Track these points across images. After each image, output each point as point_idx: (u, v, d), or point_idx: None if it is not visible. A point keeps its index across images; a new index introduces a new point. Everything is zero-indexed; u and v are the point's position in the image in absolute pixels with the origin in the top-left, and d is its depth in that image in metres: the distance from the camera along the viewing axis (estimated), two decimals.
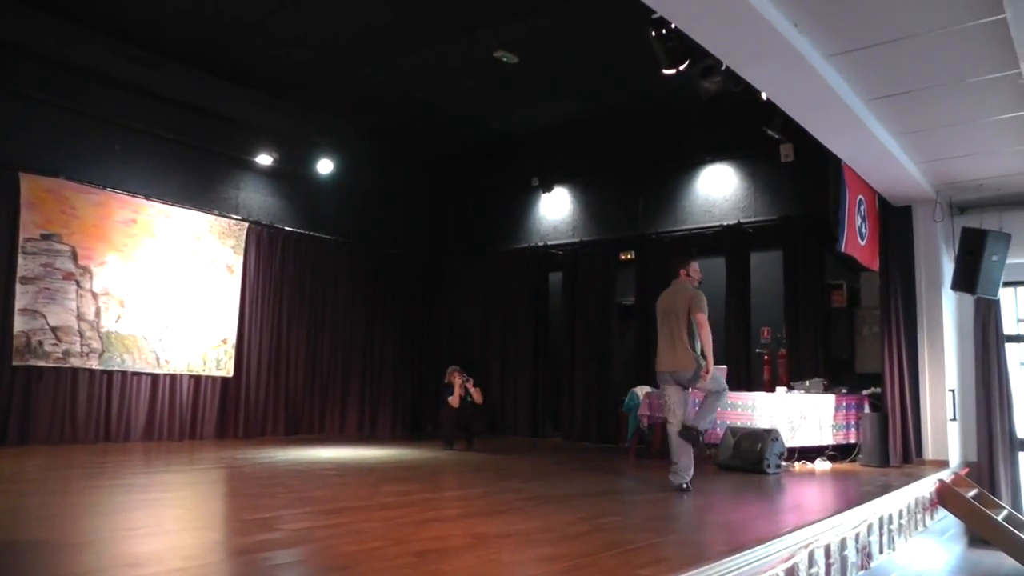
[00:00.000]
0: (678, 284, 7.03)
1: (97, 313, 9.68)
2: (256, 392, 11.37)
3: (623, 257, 12.25)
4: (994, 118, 7.22)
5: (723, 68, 6.72)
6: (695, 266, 7.15)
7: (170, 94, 10.49)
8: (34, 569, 3.42)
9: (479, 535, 4.29)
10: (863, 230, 8.74)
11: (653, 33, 6.82)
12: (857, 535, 5.42)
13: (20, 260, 9.06)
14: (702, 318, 6.73)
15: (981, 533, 7.92)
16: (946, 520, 7.97)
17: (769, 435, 8.08)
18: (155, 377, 10.26)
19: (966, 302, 9.47)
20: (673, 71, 7.02)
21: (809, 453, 9.01)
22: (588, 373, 12.06)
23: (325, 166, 12.10)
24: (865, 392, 9.64)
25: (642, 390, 9.74)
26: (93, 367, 9.61)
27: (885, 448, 8.92)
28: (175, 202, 10.61)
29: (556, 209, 13.07)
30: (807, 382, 9.50)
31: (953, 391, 9.23)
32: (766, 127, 9.27)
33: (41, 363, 9.15)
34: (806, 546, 4.52)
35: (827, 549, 4.82)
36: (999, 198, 9.18)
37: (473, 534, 4.32)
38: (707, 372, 6.60)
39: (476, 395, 10.46)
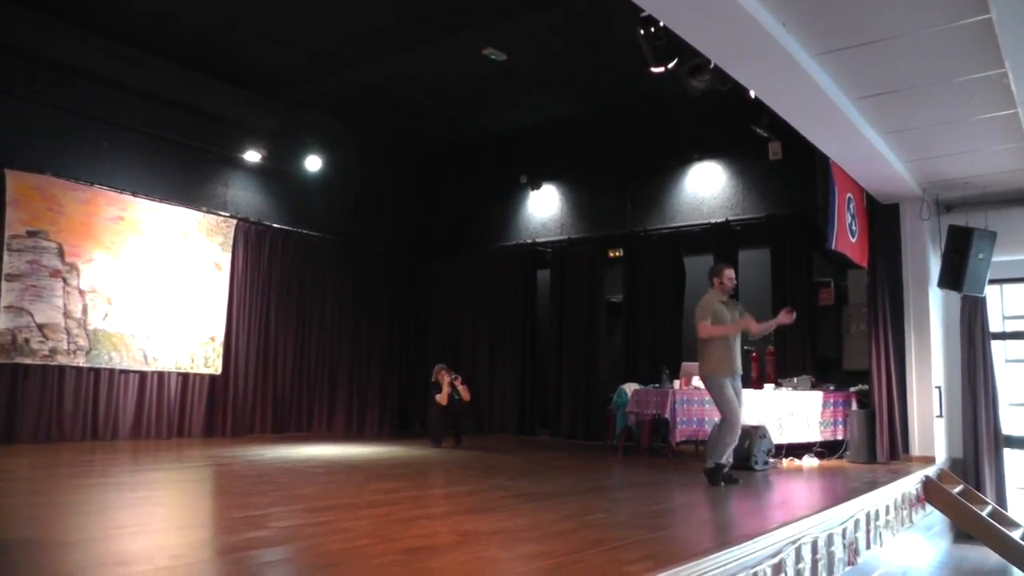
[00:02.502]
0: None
1: (84, 310, 9.64)
2: (244, 390, 11.35)
3: (611, 254, 12.27)
4: (980, 117, 7.26)
5: (711, 66, 6.74)
6: (727, 273, 7.10)
7: (158, 91, 10.42)
8: (22, 568, 3.40)
9: (467, 533, 4.30)
10: (853, 227, 8.78)
11: (641, 31, 6.82)
12: (844, 531, 5.45)
13: (6, 257, 9.02)
14: (702, 329, 6.87)
15: (966, 529, 7.97)
16: (932, 516, 8.03)
17: (757, 432, 8.11)
18: (143, 375, 10.22)
19: (952, 299, 9.52)
20: (661, 69, 7.03)
21: (797, 450, 9.05)
22: (576, 370, 12.08)
23: (313, 163, 12.08)
24: (852, 389, 9.70)
25: (630, 387, 9.75)
26: (80, 365, 9.57)
27: (872, 445, 8.96)
28: (163, 199, 10.57)
29: (544, 207, 13.07)
30: (795, 379, 9.56)
31: (939, 388, 9.29)
32: (754, 125, 9.31)
33: (27, 361, 9.11)
34: (793, 542, 4.54)
35: (814, 545, 4.85)
36: (985, 196, 9.23)
37: (461, 532, 4.32)
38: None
39: (464, 393, 10.46)
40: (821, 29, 5.76)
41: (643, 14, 6.51)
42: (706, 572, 3.60)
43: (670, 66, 7.01)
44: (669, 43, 6.75)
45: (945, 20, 5.59)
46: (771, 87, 6.61)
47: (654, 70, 7.06)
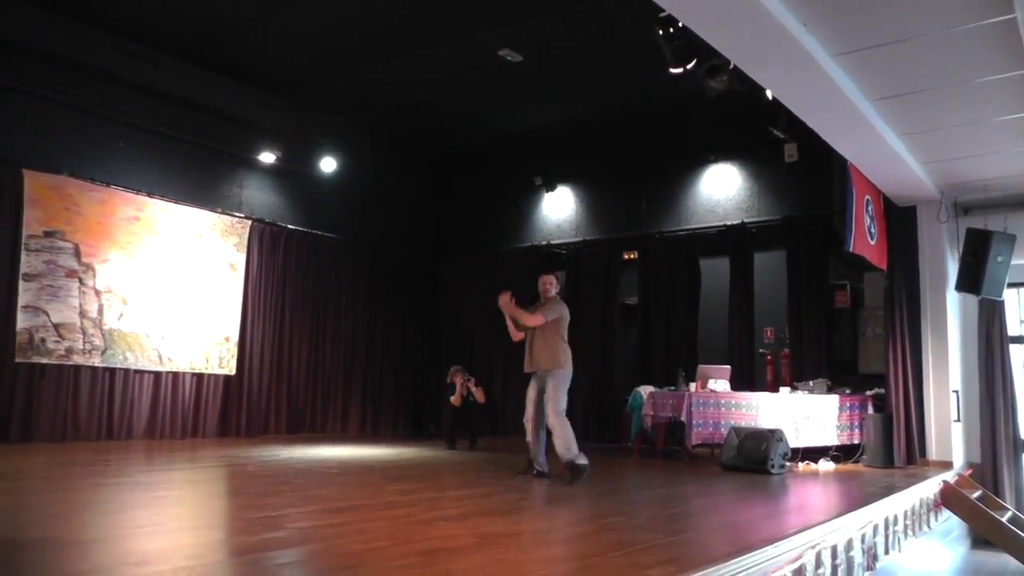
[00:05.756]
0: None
1: (100, 310, 9.67)
2: (258, 390, 11.36)
3: (626, 256, 12.24)
4: (1000, 118, 7.21)
5: (730, 67, 6.70)
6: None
7: (173, 91, 10.45)
8: (41, 567, 3.40)
9: (486, 534, 4.27)
10: (872, 230, 8.72)
11: (660, 31, 6.80)
12: (863, 536, 5.40)
13: (23, 257, 9.06)
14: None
15: (985, 534, 7.91)
16: (950, 521, 7.96)
17: (773, 435, 8.06)
18: (157, 375, 10.25)
19: (970, 303, 9.44)
20: (680, 70, 7.00)
21: (813, 453, 9.00)
22: (591, 372, 12.02)
23: (328, 164, 12.10)
24: (869, 392, 9.64)
25: (645, 389, 9.71)
26: (95, 364, 9.60)
27: (889, 449, 8.90)
28: (178, 200, 10.60)
29: (559, 208, 13.05)
30: (810, 382, 9.50)
31: (957, 392, 9.22)
32: (771, 127, 9.25)
33: (43, 360, 9.14)
34: (813, 547, 4.49)
35: (833, 550, 4.80)
36: (1004, 199, 9.15)
37: (480, 533, 4.29)
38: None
39: (478, 395, 10.44)
40: (842, 30, 5.72)
41: (662, 14, 6.49)
42: None
43: (689, 67, 6.98)
44: (688, 44, 6.72)
45: (967, 20, 5.55)
46: (790, 88, 6.57)
47: (673, 71, 7.03)
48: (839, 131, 7.45)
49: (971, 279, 8.65)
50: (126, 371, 9.93)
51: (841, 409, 9.29)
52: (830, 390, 9.45)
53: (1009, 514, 8.06)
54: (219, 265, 11.03)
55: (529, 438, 7.12)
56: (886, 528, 6.02)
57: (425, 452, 9.67)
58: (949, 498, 7.84)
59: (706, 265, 11.41)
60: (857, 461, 9.16)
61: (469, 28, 9.33)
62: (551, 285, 7.45)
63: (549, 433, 7.00)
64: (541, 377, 7.10)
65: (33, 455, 7.93)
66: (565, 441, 6.86)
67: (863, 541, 5.39)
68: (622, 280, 12.28)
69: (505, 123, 12.59)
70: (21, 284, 9.02)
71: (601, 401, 11.85)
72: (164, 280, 10.36)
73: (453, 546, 3.97)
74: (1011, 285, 9.03)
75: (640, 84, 10.50)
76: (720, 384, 9.11)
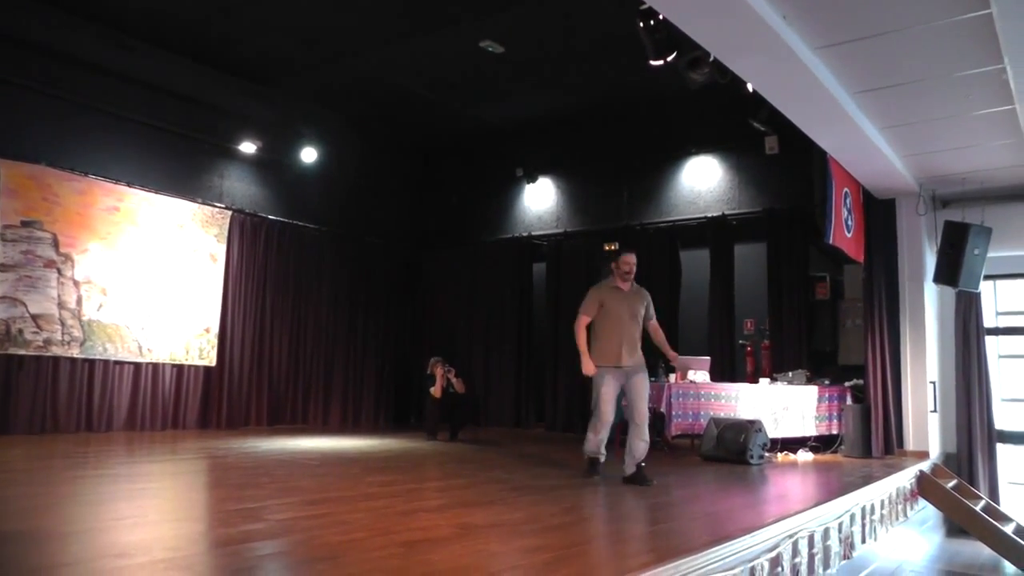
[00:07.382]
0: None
1: (79, 301, 9.60)
2: (239, 382, 11.32)
3: (607, 248, 12.24)
4: (978, 113, 7.27)
5: (711, 59, 6.72)
6: (626, 258, 7.24)
7: (154, 81, 10.37)
8: (21, 559, 3.38)
9: (465, 525, 4.29)
10: (849, 222, 8.78)
11: (641, 24, 6.80)
12: (840, 525, 5.46)
13: (0, 247, 8.97)
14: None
15: (960, 523, 8.01)
16: (926, 510, 8.07)
17: (752, 426, 8.13)
18: (137, 366, 10.18)
19: (948, 295, 9.54)
20: (660, 62, 7.01)
21: (792, 444, 9.09)
22: (571, 364, 12.02)
23: (309, 155, 12.03)
24: (848, 384, 9.71)
25: None
26: (75, 356, 9.54)
27: (867, 439, 8.99)
28: (158, 190, 10.52)
29: (540, 200, 13.05)
30: (790, 373, 9.57)
31: (934, 383, 9.32)
32: (752, 119, 9.29)
33: (22, 351, 9.07)
34: (790, 536, 4.54)
35: (811, 539, 4.86)
36: (982, 192, 9.23)
37: (459, 524, 4.31)
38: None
39: (458, 386, 10.44)
40: (822, 23, 5.76)
41: (643, 6, 6.51)
42: (705, 566, 3.60)
43: (669, 59, 6.99)
44: (669, 36, 6.72)
45: (946, 15, 5.59)
46: (770, 81, 6.60)
47: (653, 63, 7.03)
48: (819, 124, 7.49)
49: (949, 271, 8.74)
50: (106, 362, 9.86)
51: (820, 400, 9.37)
52: (809, 381, 9.53)
53: (983, 503, 8.17)
54: (200, 256, 10.97)
55: (605, 436, 6.96)
56: (863, 517, 6.09)
57: (406, 443, 9.67)
58: (925, 487, 7.95)
59: (687, 257, 11.46)
60: (835, 451, 9.25)
61: (451, 18, 9.30)
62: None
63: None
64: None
65: (11, 447, 7.88)
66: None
67: (840, 530, 5.46)
68: (603, 271, 12.26)
69: (487, 114, 12.57)
70: None
71: (581, 392, 11.85)
72: (144, 271, 10.29)
73: (433, 537, 3.98)
74: (987, 277, 9.12)
75: (621, 76, 10.50)
76: (700, 375, 9.17)
